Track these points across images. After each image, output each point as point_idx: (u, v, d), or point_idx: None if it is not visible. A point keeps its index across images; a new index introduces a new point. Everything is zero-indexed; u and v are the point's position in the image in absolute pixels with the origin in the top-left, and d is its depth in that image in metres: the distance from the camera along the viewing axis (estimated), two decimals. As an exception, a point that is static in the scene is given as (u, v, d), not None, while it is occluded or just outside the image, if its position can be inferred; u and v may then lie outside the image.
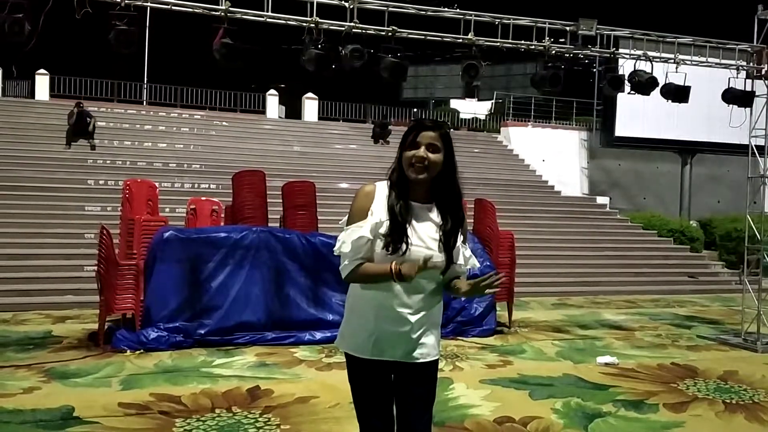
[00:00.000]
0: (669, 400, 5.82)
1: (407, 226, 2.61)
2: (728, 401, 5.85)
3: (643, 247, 16.05)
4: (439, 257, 2.62)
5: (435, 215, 2.68)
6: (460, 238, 2.72)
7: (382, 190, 2.69)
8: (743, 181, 9.24)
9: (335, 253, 2.69)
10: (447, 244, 2.65)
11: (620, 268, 14.63)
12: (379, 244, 2.60)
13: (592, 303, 11.99)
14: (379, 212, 2.63)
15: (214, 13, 7.61)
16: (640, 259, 15.11)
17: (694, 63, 9.56)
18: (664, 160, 21.19)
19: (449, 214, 2.67)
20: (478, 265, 2.84)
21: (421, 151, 2.59)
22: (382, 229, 2.59)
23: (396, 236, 2.58)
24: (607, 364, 7.09)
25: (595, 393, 5.97)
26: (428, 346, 2.71)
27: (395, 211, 2.60)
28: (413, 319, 2.65)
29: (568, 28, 9.03)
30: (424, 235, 2.63)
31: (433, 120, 2.76)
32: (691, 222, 18.57)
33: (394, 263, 2.53)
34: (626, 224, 17.52)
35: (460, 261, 2.72)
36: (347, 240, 2.62)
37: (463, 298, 8.20)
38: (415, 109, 27.65)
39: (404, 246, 2.58)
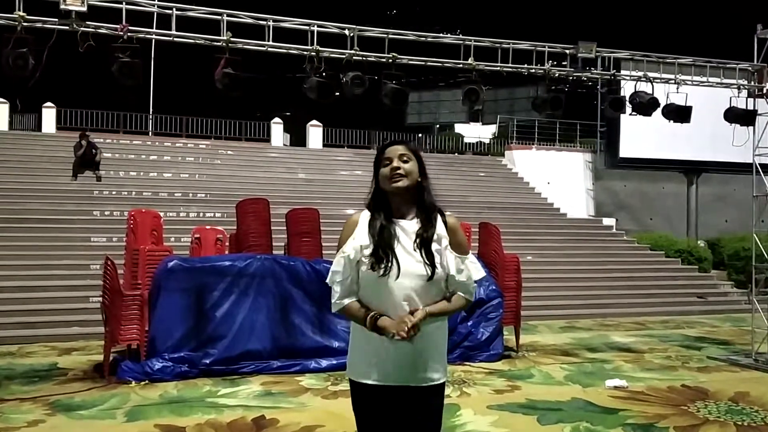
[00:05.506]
0: (680, 423, 5.74)
1: (393, 243, 2.63)
2: (740, 423, 5.76)
3: (650, 268, 15.95)
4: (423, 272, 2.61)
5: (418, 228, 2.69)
6: (444, 243, 2.66)
7: (366, 215, 2.74)
8: (750, 200, 9.20)
9: (329, 284, 2.70)
10: (427, 252, 2.64)
11: (628, 289, 14.53)
12: (364, 266, 2.62)
13: (600, 325, 11.89)
14: (360, 235, 2.67)
15: (215, 43, 7.70)
16: (648, 281, 15.01)
17: (695, 83, 9.59)
18: (670, 181, 21.13)
19: (425, 222, 2.69)
20: (481, 275, 2.77)
21: (395, 163, 2.71)
22: (366, 251, 2.62)
23: (379, 257, 2.61)
24: (616, 388, 7.01)
25: (604, 417, 5.90)
26: (433, 369, 2.68)
27: (376, 232, 2.64)
28: (415, 340, 2.61)
29: (567, 52, 9.09)
30: (411, 251, 2.64)
31: (398, 139, 2.87)
32: (699, 242, 18.45)
33: (369, 317, 2.57)
34: (633, 245, 17.43)
35: (451, 271, 2.66)
36: (334, 269, 2.68)
37: (470, 322, 8.27)
38: (419, 134, 27.72)
39: (389, 265, 2.60)
